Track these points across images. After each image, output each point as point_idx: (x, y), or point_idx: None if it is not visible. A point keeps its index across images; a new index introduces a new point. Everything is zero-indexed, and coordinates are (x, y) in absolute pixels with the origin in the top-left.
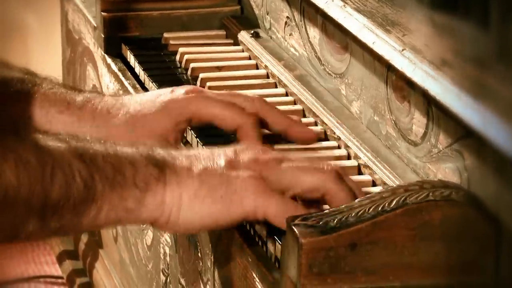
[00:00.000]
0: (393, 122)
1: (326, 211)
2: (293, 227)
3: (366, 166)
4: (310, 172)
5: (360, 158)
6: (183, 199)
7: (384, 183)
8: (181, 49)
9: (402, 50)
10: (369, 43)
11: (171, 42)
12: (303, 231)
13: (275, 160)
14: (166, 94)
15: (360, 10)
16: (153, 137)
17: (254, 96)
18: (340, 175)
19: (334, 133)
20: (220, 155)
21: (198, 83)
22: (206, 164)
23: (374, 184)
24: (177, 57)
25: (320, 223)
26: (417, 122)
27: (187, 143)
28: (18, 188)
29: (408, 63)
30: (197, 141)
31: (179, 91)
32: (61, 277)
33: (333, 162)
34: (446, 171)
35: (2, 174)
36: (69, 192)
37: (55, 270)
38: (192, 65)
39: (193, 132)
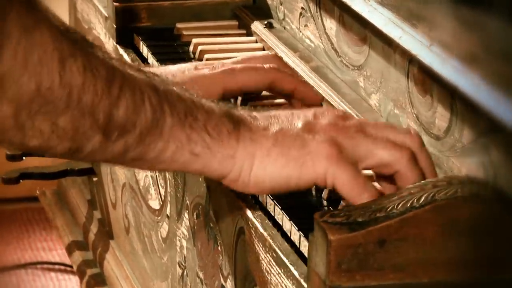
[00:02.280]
0: (414, 115)
1: (354, 207)
2: (322, 223)
3: None
4: (386, 147)
5: None
6: (255, 157)
7: None
8: (194, 40)
9: (430, 45)
10: (396, 38)
11: (184, 32)
12: (332, 228)
13: (354, 127)
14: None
15: (384, 3)
16: None
17: (268, 55)
18: (415, 156)
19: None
20: (299, 116)
21: None
22: (283, 125)
23: None
24: (191, 47)
25: (349, 219)
26: (440, 116)
27: None
28: (83, 92)
29: (436, 58)
30: None
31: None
32: (58, 263)
33: None
34: (471, 166)
35: (68, 71)
36: (136, 117)
37: (52, 256)
38: (206, 56)
39: None
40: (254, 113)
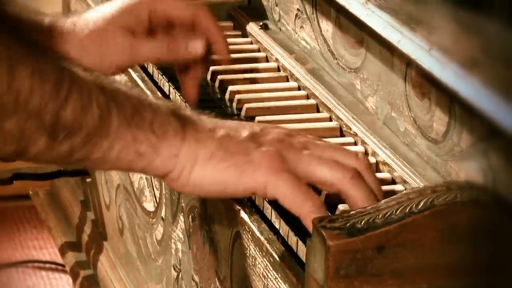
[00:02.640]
0: (412, 119)
1: (352, 212)
2: (320, 229)
3: (385, 163)
4: (328, 165)
5: (378, 155)
6: (198, 157)
7: (404, 181)
8: None
9: (430, 49)
10: (395, 42)
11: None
12: (330, 233)
13: (300, 144)
14: None
15: (382, 7)
16: (121, 31)
17: None
18: (360, 174)
19: (350, 129)
20: (245, 127)
21: (208, 76)
22: (229, 131)
23: (393, 182)
24: None
25: (347, 225)
26: (438, 120)
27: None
28: (30, 96)
29: (436, 62)
30: (169, 86)
31: None
32: (49, 262)
33: None
34: (469, 170)
35: (17, 76)
36: (83, 118)
37: (42, 255)
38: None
39: (164, 77)
40: (199, 114)
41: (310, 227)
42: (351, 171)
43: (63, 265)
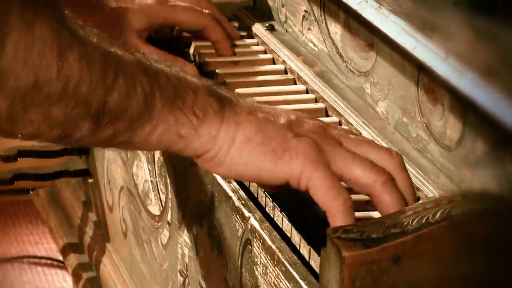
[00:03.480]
0: (424, 124)
1: (367, 222)
2: (335, 239)
3: None
4: (363, 166)
5: None
6: (236, 139)
7: (418, 189)
8: (194, 42)
9: (446, 56)
10: (410, 49)
11: (184, 33)
12: (345, 244)
13: (335, 137)
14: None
15: (396, 12)
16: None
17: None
18: (392, 179)
19: (361, 133)
20: (281, 114)
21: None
22: (267, 115)
23: None
24: (191, 50)
25: (363, 235)
26: (452, 126)
27: None
28: (79, 83)
29: (452, 70)
30: None
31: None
32: (45, 257)
33: None
34: (485, 178)
35: (65, 63)
36: (127, 103)
37: (38, 250)
38: (207, 59)
39: None
40: (238, 96)
41: (334, 224)
42: (384, 175)
43: (58, 261)
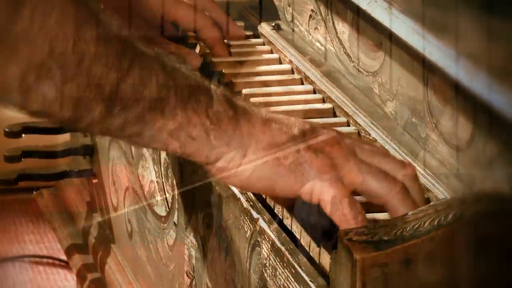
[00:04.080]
0: (433, 125)
1: (379, 224)
2: (347, 242)
3: None
4: (377, 176)
5: None
6: (249, 150)
7: (427, 190)
8: (200, 43)
9: (457, 57)
10: (420, 49)
11: (190, 33)
12: (357, 246)
13: (349, 148)
14: None
15: (406, 12)
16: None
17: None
18: (406, 189)
19: (369, 134)
20: (296, 124)
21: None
22: (281, 127)
23: None
24: (197, 50)
25: (374, 238)
26: (462, 126)
27: None
28: (94, 62)
29: (463, 71)
30: None
31: None
32: (46, 256)
33: None
34: (496, 179)
35: (81, 38)
36: (141, 92)
37: (39, 249)
38: (213, 59)
39: None
40: (253, 105)
41: None
42: (398, 186)
43: (60, 260)
